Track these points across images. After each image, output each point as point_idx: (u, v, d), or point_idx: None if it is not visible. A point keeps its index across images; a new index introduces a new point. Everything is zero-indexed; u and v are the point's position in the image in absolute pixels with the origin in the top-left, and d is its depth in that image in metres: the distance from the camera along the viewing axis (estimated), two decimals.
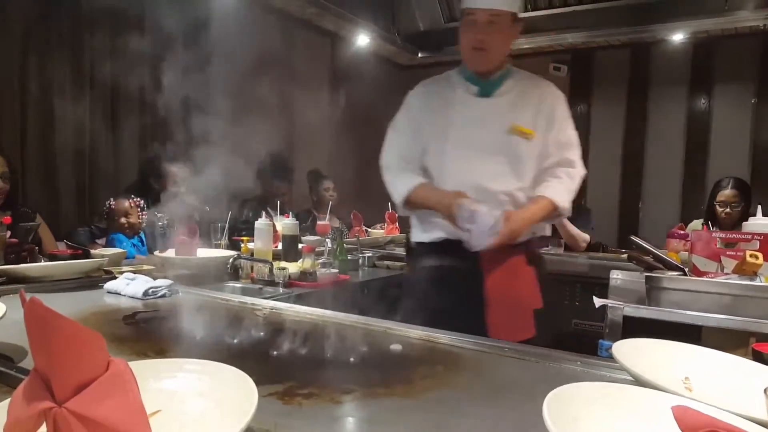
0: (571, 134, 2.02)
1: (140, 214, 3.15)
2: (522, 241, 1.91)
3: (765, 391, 0.63)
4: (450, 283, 1.87)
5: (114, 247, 2.79)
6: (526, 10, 4.66)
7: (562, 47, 5.72)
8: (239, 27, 4.80)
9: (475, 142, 1.92)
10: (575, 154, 2.02)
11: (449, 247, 1.91)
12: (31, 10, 3.37)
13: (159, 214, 3.17)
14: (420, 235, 2.03)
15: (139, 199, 3.17)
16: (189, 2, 4.27)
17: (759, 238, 1.62)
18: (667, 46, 5.38)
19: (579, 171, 2.01)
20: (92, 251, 2.29)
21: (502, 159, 1.91)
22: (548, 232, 2.06)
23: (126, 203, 3.10)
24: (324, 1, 4.39)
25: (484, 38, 1.83)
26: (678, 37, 5.10)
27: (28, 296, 0.69)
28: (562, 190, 1.95)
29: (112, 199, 3.13)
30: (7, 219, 2.05)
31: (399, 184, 1.99)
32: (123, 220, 3.06)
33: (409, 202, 1.97)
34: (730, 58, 5.28)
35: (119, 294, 1.75)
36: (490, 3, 1.81)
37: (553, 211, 1.94)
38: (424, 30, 5.19)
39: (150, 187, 3.42)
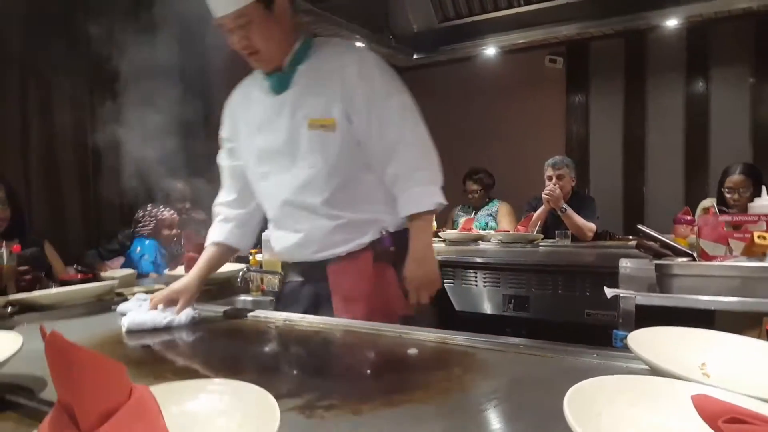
0: (392, 114, 1.68)
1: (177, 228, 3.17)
2: (364, 245, 1.72)
3: None
4: (305, 301, 1.79)
5: (140, 252, 2.79)
6: (518, 5, 4.66)
7: (557, 39, 5.70)
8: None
9: (275, 148, 1.71)
10: (406, 142, 1.69)
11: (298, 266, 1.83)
12: (30, 36, 3.39)
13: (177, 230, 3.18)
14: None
15: (173, 212, 3.18)
16: (186, 18, 4.31)
17: (766, 219, 1.61)
18: (661, 32, 5.37)
19: (418, 160, 1.71)
20: (102, 274, 2.30)
21: (315, 161, 1.67)
22: (395, 227, 1.76)
23: (170, 215, 3.10)
24: (318, 10, 4.40)
25: (247, 43, 1.61)
26: (672, 22, 5.08)
27: (48, 329, 0.70)
28: (425, 192, 1.70)
29: (159, 207, 3.10)
30: (17, 248, 2.06)
31: (212, 229, 1.92)
32: (169, 231, 3.05)
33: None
34: (725, 40, 5.28)
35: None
36: (226, 7, 1.56)
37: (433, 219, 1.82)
38: (418, 31, 5.19)
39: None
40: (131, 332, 1.53)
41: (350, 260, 1.71)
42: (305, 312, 1.68)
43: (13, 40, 3.34)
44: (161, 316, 1.58)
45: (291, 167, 1.69)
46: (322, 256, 1.72)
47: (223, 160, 1.92)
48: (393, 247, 1.73)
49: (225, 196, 1.93)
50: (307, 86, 1.68)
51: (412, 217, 1.71)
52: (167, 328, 1.57)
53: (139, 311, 1.61)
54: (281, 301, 1.91)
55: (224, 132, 1.90)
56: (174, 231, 3.05)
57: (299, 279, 1.85)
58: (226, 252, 1.91)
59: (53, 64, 3.52)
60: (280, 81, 1.70)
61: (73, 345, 0.68)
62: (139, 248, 3.01)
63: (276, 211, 1.77)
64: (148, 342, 1.47)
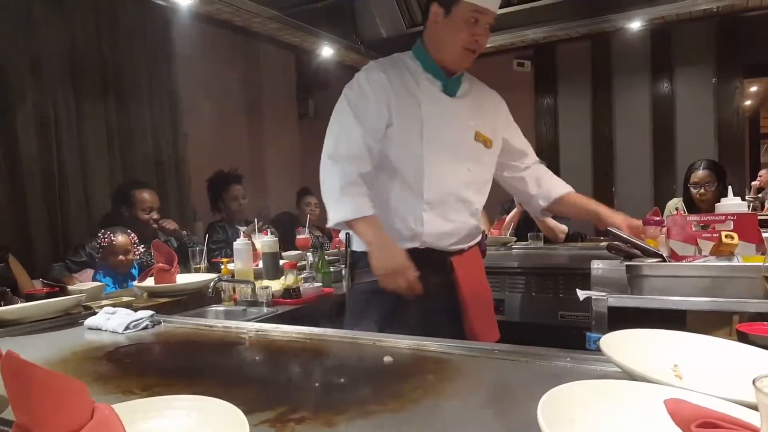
0: (524, 141, 2.12)
1: (135, 249, 3.07)
2: (477, 242, 2.00)
3: (754, 382, 0.64)
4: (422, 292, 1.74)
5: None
6: None
7: (524, 43, 5.80)
8: (200, 46, 4.79)
9: (447, 144, 1.84)
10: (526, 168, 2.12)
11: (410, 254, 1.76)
12: None
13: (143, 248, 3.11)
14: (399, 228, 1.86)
15: (132, 233, 3.08)
16: (150, 26, 4.26)
17: (732, 218, 1.64)
18: (625, 34, 5.47)
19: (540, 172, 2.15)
20: (69, 287, 2.25)
21: (471, 166, 1.89)
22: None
23: (126, 238, 2.99)
24: (285, 16, 4.39)
25: (484, 41, 1.80)
26: (635, 24, 5.19)
27: (10, 346, 0.67)
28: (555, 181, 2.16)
29: (109, 233, 2.95)
30: None
31: (340, 208, 1.74)
32: (121, 257, 2.95)
33: (347, 224, 1.76)
34: (687, 41, 5.40)
35: (100, 330, 1.71)
36: (497, 4, 1.77)
37: None
38: (387, 37, 5.20)
39: (122, 215, 3.38)
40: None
41: (469, 254, 1.95)
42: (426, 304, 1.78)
43: None
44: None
45: (460, 160, 1.86)
46: (456, 247, 1.91)
47: (355, 124, 1.78)
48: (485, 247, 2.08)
49: (360, 167, 1.76)
50: (475, 101, 1.93)
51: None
52: (138, 342, 1.54)
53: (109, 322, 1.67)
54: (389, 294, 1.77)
55: (380, 104, 1.79)
56: (129, 256, 2.96)
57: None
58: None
59: (16, 74, 3.44)
60: (456, 85, 1.89)
61: (30, 364, 0.66)
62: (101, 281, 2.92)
63: (438, 197, 1.84)
64: (115, 356, 1.44)
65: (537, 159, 2.16)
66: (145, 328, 1.70)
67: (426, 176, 1.82)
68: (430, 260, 1.84)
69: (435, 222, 1.85)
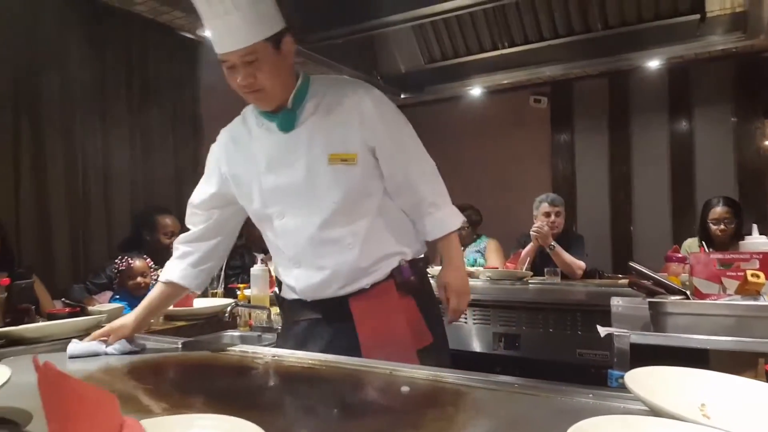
0: (409, 144, 1.75)
1: (152, 273, 3.11)
2: (386, 275, 1.70)
3: None
4: (322, 337, 1.70)
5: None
6: (503, 47, 4.75)
7: (540, 80, 5.82)
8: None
9: (292, 186, 1.66)
10: (425, 170, 1.77)
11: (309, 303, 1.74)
12: (20, 70, 3.40)
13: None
14: (285, 291, 1.84)
15: (148, 258, 3.13)
16: (178, 56, 4.36)
17: (758, 257, 1.62)
18: (643, 72, 5.49)
19: (434, 187, 1.79)
20: (90, 308, 2.27)
21: (335, 196, 1.64)
22: (413, 255, 1.77)
23: (143, 262, 3.05)
24: (306, 50, 4.48)
25: (253, 81, 1.56)
26: (653, 63, 5.21)
27: (25, 364, 0.68)
28: (451, 213, 1.80)
29: (127, 258, 3.03)
30: (5, 281, 2.04)
31: (167, 267, 1.87)
32: (140, 279, 2.98)
33: None
34: (706, 80, 5.40)
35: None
36: (234, 44, 1.52)
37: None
38: (406, 72, 5.27)
39: (143, 239, 3.42)
40: (72, 358, 1.60)
41: (374, 293, 1.68)
42: (323, 351, 1.61)
43: (6, 76, 3.34)
44: (99, 346, 1.64)
45: (311, 203, 1.65)
46: (345, 291, 1.68)
47: (199, 197, 1.87)
48: (413, 276, 1.73)
49: (187, 233, 1.90)
50: (321, 121, 1.66)
51: (441, 238, 1.79)
52: (154, 364, 1.55)
53: (79, 343, 1.66)
54: (290, 340, 1.79)
55: (211, 173, 1.85)
56: (146, 279, 3.00)
57: (313, 317, 1.74)
58: (177, 291, 1.86)
59: (45, 98, 3.52)
60: (288, 119, 1.67)
61: (65, 375, 0.68)
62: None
63: (298, 249, 1.69)
64: (134, 377, 1.44)
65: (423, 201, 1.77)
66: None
67: (278, 230, 1.72)
68: (327, 308, 1.71)
69: (303, 275, 1.71)
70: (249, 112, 1.78)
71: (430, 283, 1.87)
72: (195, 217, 1.88)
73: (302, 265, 1.70)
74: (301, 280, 1.71)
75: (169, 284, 1.83)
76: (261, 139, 1.71)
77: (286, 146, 1.66)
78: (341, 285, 1.67)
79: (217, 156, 1.83)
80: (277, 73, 1.59)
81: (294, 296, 1.76)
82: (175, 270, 1.83)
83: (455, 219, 1.80)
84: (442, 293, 1.83)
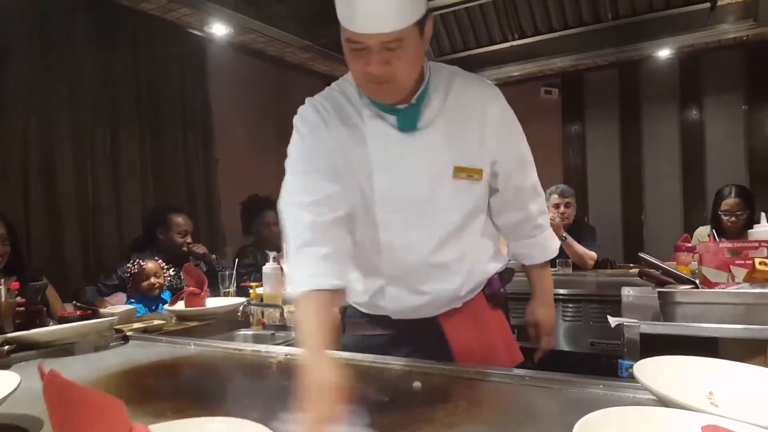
0: (524, 159, 1.55)
1: (165, 273, 3.14)
2: (478, 291, 1.55)
3: None
4: (409, 353, 1.49)
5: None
6: (513, 39, 4.73)
7: (551, 71, 5.80)
8: (234, 75, 4.91)
9: (411, 195, 1.41)
10: (530, 188, 1.57)
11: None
12: (29, 72, 3.44)
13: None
14: (360, 296, 1.57)
15: (159, 259, 3.17)
16: (187, 54, 4.39)
17: (766, 245, 1.61)
18: (654, 62, 5.46)
19: (540, 205, 1.62)
20: (101, 310, 2.29)
21: (453, 216, 1.44)
22: (501, 266, 1.61)
23: (155, 264, 3.07)
24: (316, 46, 4.49)
25: (389, 69, 1.27)
26: (664, 52, 5.18)
27: (46, 367, 0.69)
28: (550, 237, 1.65)
29: (138, 260, 3.06)
30: (15, 285, 2.04)
31: (296, 272, 1.28)
32: (153, 280, 3.01)
33: None
34: (716, 69, 5.36)
35: None
36: (382, 25, 1.21)
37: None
38: None
39: (156, 239, 3.45)
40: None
41: (466, 309, 1.53)
42: None
43: (16, 77, 3.38)
44: None
45: (427, 222, 1.42)
46: (440, 312, 1.52)
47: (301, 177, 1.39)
48: (502, 288, 1.60)
49: (309, 229, 1.32)
50: (448, 126, 1.40)
51: (537, 264, 1.66)
52: (167, 366, 1.56)
53: None
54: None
55: (307, 147, 1.42)
56: (160, 280, 3.03)
57: (396, 332, 1.56)
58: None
59: (55, 101, 3.55)
60: (412, 116, 1.39)
61: (71, 383, 0.67)
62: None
63: (401, 271, 1.47)
64: (147, 379, 1.45)
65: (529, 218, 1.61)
66: None
67: (382, 244, 1.45)
68: (407, 327, 1.53)
69: (400, 297, 1.50)
70: (352, 90, 1.44)
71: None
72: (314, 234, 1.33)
73: (400, 285, 1.49)
74: (394, 301, 1.51)
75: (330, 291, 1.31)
76: (377, 132, 1.41)
77: (408, 148, 1.39)
78: (439, 307, 1.52)
79: (323, 133, 1.41)
80: (415, 62, 1.32)
81: (371, 311, 1.57)
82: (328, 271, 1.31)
83: (555, 243, 1.65)
84: (531, 330, 1.69)
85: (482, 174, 1.43)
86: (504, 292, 1.61)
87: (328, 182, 1.35)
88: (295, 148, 1.42)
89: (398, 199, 1.41)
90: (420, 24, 1.27)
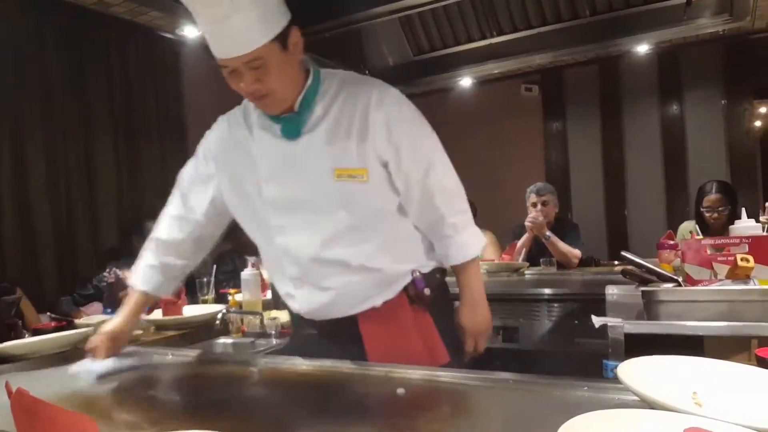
0: (429, 156, 1.56)
1: None
2: (399, 291, 1.55)
3: None
4: (330, 357, 1.52)
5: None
6: (491, 36, 4.74)
7: (531, 68, 5.82)
8: (208, 76, 4.86)
9: (296, 199, 1.50)
10: (445, 185, 1.58)
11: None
12: (1, 80, 3.38)
13: None
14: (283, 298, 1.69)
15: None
16: (159, 57, 4.34)
17: (747, 240, 1.61)
18: (633, 57, 5.50)
19: (453, 204, 1.61)
20: (77, 321, 2.24)
21: (343, 215, 1.48)
22: (428, 267, 1.61)
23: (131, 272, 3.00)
24: None
25: (260, 86, 1.38)
26: (642, 48, 5.21)
27: (20, 381, 0.67)
28: (472, 235, 1.63)
29: (115, 269, 2.95)
30: None
31: (135, 269, 1.76)
32: (130, 289, 2.93)
33: None
34: (695, 64, 5.42)
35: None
36: (237, 49, 1.34)
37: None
38: (394, 64, 5.26)
39: (132, 247, 3.40)
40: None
41: (385, 310, 1.54)
42: None
43: None
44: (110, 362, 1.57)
45: (316, 220, 1.49)
46: (354, 312, 1.54)
47: (180, 189, 1.73)
48: (427, 289, 1.57)
49: (167, 232, 1.73)
50: (330, 130, 1.46)
51: (459, 265, 1.63)
52: (143, 378, 1.53)
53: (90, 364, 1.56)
54: (296, 351, 1.65)
55: (200, 170, 1.68)
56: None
57: (320, 334, 1.63)
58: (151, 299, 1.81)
59: (24, 107, 3.49)
60: (294, 124, 1.48)
61: (40, 401, 0.66)
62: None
63: (300, 269, 1.54)
64: (123, 390, 1.42)
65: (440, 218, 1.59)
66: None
67: (278, 247, 1.55)
68: (332, 327, 1.57)
69: (305, 295, 1.57)
70: (251, 106, 1.56)
71: (449, 295, 1.72)
72: (181, 222, 1.71)
73: (305, 285, 1.56)
74: (305, 301, 1.58)
75: (146, 294, 1.75)
76: (262, 143, 1.52)
77: (291, 156, 1.48)
78: (349, 306, 1.54)
79: (215, 150, 1.64)
80: (285, 74, 1.41)
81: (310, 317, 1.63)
82: (150, 280, 1.74)
83: (476, 242, 1.64)
84: (460, 332, 1.68)
85: (366, 174, 1.46)
86: (429, 294, 1.57)
87: (188, 211, 1.69)
88: (188, 165, 1.73)
89: (286, 203, 1.50)
90: (281, 39, 1.37)
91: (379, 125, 1.45)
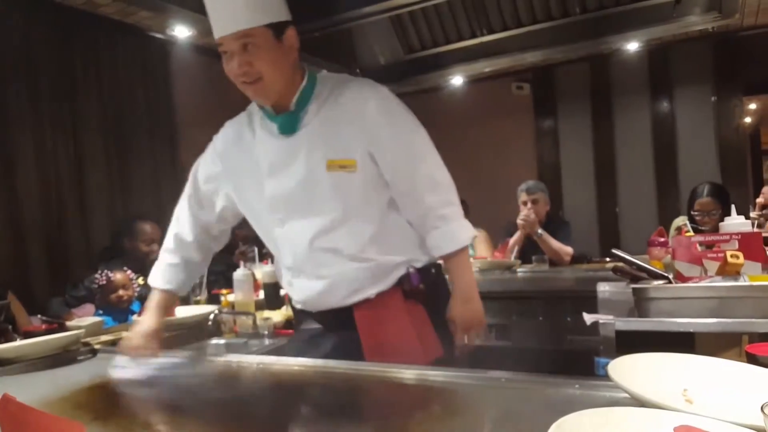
0: (418, 150, 1.64)
1: (133, 285, 3.04)
2: (393, 284, 1.62)
3: (762, 408, 0.62)
4: (326, 348, 1.64)
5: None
6: (482, 35, 4.74)
7: (522, 67, 5.82)
8: (199, 77, 4.83)
9: (292, 194, 1.59)
10: (434, 178, 1.65)
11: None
12: None
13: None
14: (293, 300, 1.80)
15: (128, 269, 3.07)
16: (149, 58, 4.31)
17: (737, 237, 1.62)
18: (623, 55, 5.51)
19: (441, 196, 1.66)
20: (68, 323, 2.23)
21: (334, 204, 1.58)
22: (422, 262, 1.68)
23: (123, 274, 2.98)
24: None
25: (249, 69, 1.49)
26: (633, 46, 5.22)
27: (10, 384, 0.66)
28: (461, 227, 1.66)
29: (106, 271, 2.93)
30: None
31: (155, 268, 1.86)
32: (122, 292, 2.92)
33: None
34: (685, 61, 5.45)
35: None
36: (230, 26, 1.46)
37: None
38: (386, 63, 5.25)
39: (123, 248, 3.38)
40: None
41: (379, 302, 1.60)
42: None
43: None
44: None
45: (309, 211, 1.59)
46: (349, 302, 1.61)
47: (191, 188, 1.85)
48: (422, 285, 1.64)
49: (185, 230, 1.85)
50: (322, 125, 1.57)
51: (449, 255, 1.65)
52: (136, 381, 1.53)
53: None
54: (293, 349, 1.78)
55: (209, 169, 1.79)
56: (128, 291, 2.95)
57: (318, 326, 1.73)
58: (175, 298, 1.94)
59: (13, 106, 3.47)
60: (290, 121, 1.59)
61: (26, 408, 0.65)
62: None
63: (296, 258, 1.63)
64: (115, 393, 1.41)
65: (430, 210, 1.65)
66: None
67: (278, 239, 1.67)
68: (330, 319, 1.67)
69: (302, 285, 1.66)
70: (255, 110, 1.69)
71: (447, 291, 1.73)
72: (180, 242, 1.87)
73: (301, 274, 1.65)
74: (301, 290, 1.67)
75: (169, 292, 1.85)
76: (264, 142, 1.63)
77: (287, 151, 1.59)
78: (344, 295, 1.61)
79: (222, 150, 1.76)
80: (277, 63, 1.51)
81: (300, 306, 1.74)
82: (172, 279, 1.85)
83: (465, 233, 1.66)
84: (452, 326, 1.69)
85: (355, 165, 1.56)
86: (424, 289, 1.64)
87: (201, 207, 1.80)
88: (199, 165, 1.83)
89: (284, 196, 1.60)
90: (275, 30, 1.49)
91: (370, 117, 1.56)
